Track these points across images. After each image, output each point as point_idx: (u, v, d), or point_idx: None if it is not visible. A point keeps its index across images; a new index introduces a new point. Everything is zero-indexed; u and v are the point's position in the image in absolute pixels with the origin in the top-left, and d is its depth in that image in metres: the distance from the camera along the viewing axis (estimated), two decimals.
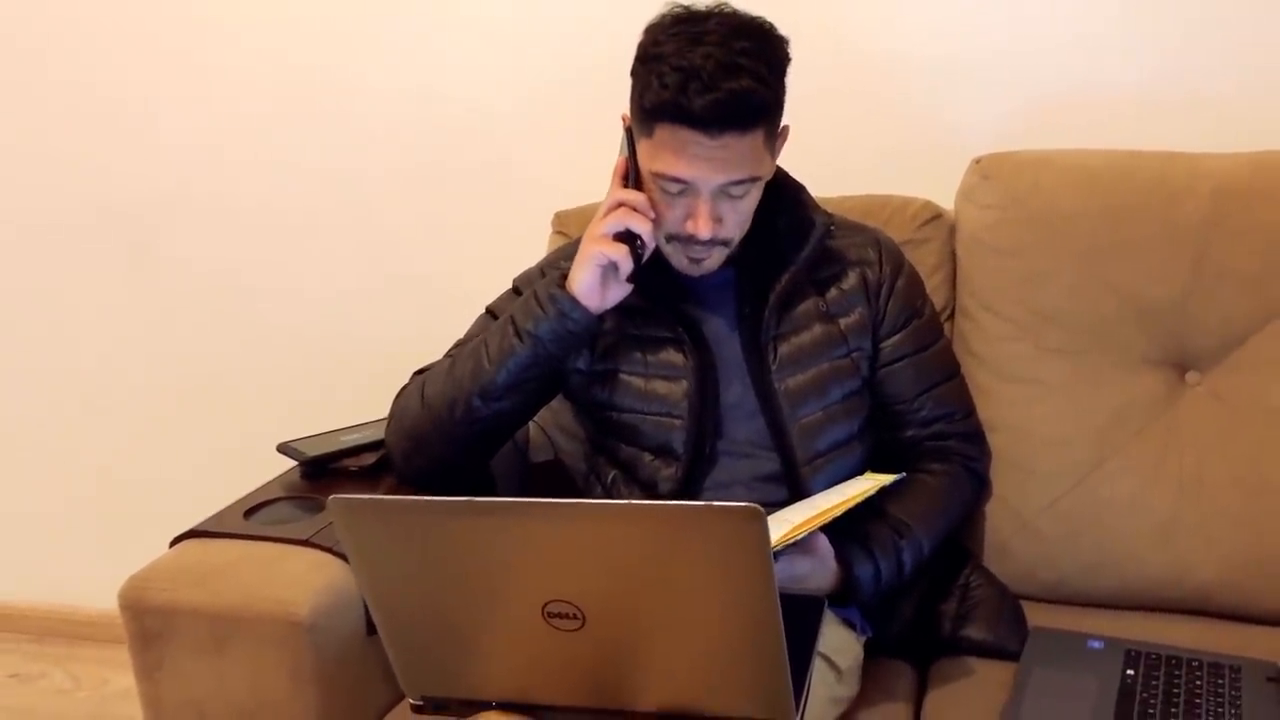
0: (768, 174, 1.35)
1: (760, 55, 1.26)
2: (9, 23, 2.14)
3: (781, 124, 1.35)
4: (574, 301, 1.35)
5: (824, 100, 1.78)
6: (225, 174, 2.13)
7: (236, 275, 2.18)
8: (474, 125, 2.00)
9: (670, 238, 1.35)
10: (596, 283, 1.35)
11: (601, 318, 1.38)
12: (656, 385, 1.42)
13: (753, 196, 1.33)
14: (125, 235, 2.21)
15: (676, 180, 1.29)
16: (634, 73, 1.31)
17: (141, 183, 2.17)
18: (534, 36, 1.93)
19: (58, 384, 2.34)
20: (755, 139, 1.28)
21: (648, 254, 1.35)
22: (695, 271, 1.38)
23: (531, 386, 1.40)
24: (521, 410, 1.44)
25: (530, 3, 1.92)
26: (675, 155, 1.27)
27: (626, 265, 1.33)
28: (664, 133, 1.27)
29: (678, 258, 1.37)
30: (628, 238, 1.33)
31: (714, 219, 1.31)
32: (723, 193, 1.30)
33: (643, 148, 1.31)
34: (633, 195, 1.33)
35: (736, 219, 1.34)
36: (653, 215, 1.33)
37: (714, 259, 1.37)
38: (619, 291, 1.36)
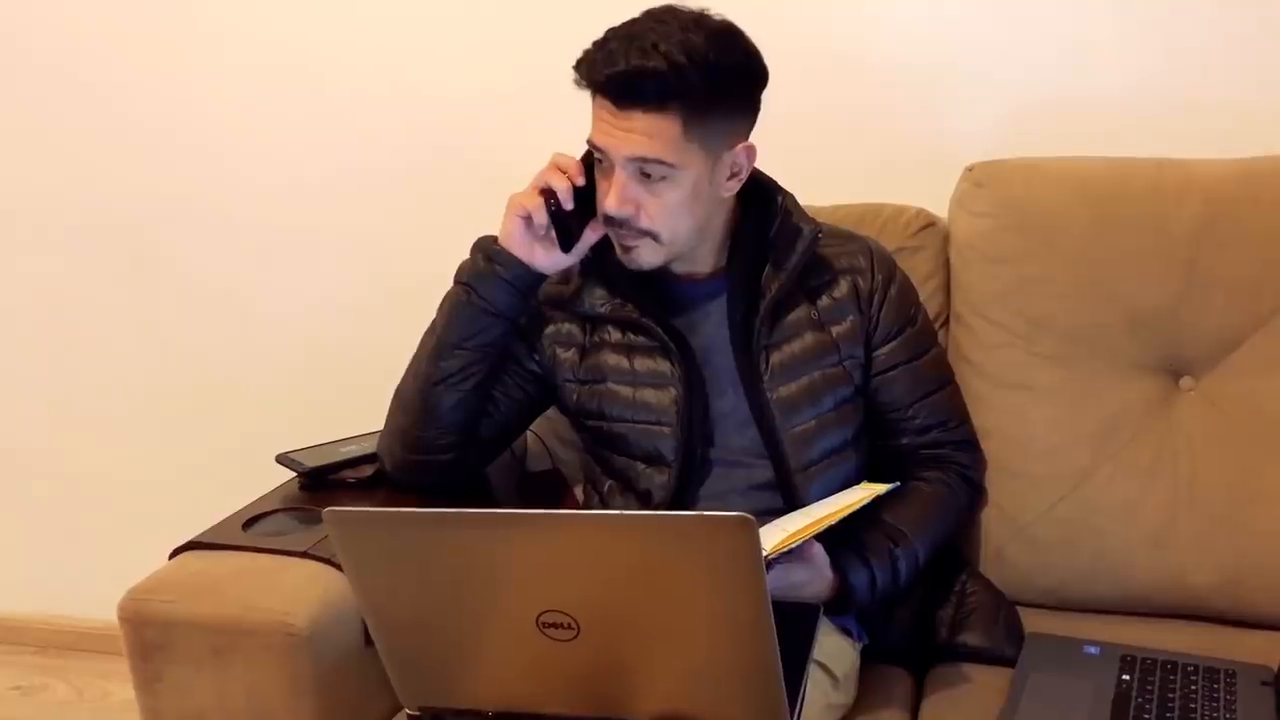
0: (696, 172, 1.32)
1: (694, 48, 1.26)
2: (9, 29, 2.15)
3: (735, 136, 1.34)
4: (501, 249, 1.40)
5: (817, 109, 1.79)
6: (223, 183, 2.13)
7: (234, 285, 2.19)
8: (474, 131, 2.00)
9: (606, 220, 1.37)
10: (520, 233, 1.39)
11: (541, 277, 1.42)
12: (645, 394, 1.43)
13: (674, 190, 1.32)
14: (124, 245, 2.21)
15: (594, 146, 1.33)
16: None
17: (141, 191, 2.17)
18: (535, 37, 1.93)
19: (57, 395, 2.34)
20: (667, 123, 1.28)
21: (590, 235, 1.40)
22: (628, 263, 1.39)
23: (478, 343, 1.42)
24: (481, 380, 1.44)
25: (525, 4, 1.93)
26: (595, 123, 1.32)
27: (539, 218, 1.38)
28: (594, 101, 1.33)
29: (616, 245, 1.40)
30: (549, 195, 1.37)
31: (627, 198, 1.32)
32: (639, 172, 1.31)
33: None
34: (565, 158, 1.38)
35: (657, 209, 1.33)
36: (580, 181, 1.37)
37: (644, 253, 1.37)
38: (553, 256, 1.41)
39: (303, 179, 2.10)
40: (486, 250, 1.41)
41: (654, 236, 1.35)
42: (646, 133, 1.28)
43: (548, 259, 1.41)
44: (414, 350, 1.49)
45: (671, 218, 1.34)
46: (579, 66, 1.32)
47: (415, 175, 2.05)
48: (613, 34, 1.30)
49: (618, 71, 1.26)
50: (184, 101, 2.11)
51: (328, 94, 2.04)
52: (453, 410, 1.44)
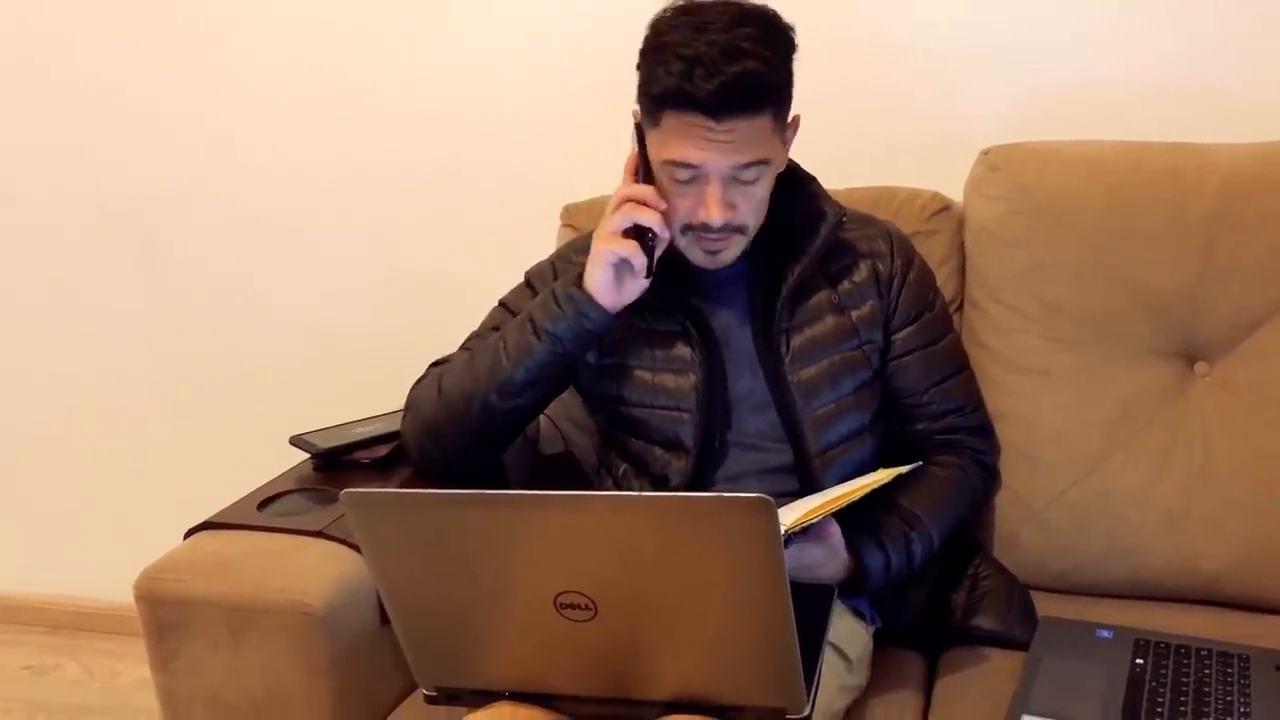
0: (779, 160, 1.35)
1: (764, 40, 1.26)
2: (18, 22, 2.15)
3: (791, 114, 1.35)
4: (591, 301, 1.35)
5: (833, 92, 1.78)
6: (234, 171, 2.14)
7: (247, 269, 2.19)
8: (481, 120, 2.00)
9: (685, 229, 1.35)
10: (611, 280, 1.35)
11: (619, 315, 1.38)
12: (664, 379, 1.42)
13: (765, 183, 1.33)
14: (137, 230, 2.22)
15: (686, 166, 1.29)
16: (639, 65, 1.31)
17: (153, 179, 2.17)
18: (541, 30, 1.93)
19: (71, 379, 2.35)
20: (762, 123, 1.28)
21: (660, 247, 1.35)
22: (713, 264, 1.38)
23: (547, 383, 1.41)
24: (537, 406, 1.45)
25: (539, 3, 1.92)
26: (684, 141, 1.28)
27: (639, 260, 1.33)
28: (672, 120, 1.28)
29: (694, 251, 1.37)
30: (637, 233, 1.33)
31: (726, 205, 1.31)
32: (733, 178, 1.30)
33: (652, 138, 1.32)
34: (639, 189, 1.33)
35: (750, 206, 1.34)
36: (663, 207, 1.33)
37: (731, 250, 1.37)
38: (636, 287, 1.36)
39: (315, 167, 2.10)
40: (577, 303, 1.35)
41: (742, 231, 1.35)
42: (748, 138, 1.27)
43: (633, 290, 1.37)
44: (434, 334, 1.48)
45: (759, 209, 1.35)
46: (658, 89, 1.26)
47: (426, 165, 2.05)
48: (680, 47, 1.24)
49: (720, 83, 1.23)
50: (196, 92, 2.11)
51: (340, 86, 2.04)
52: (504, 431, 1.46)
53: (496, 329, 1.47)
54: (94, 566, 2.39)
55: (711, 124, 1.26)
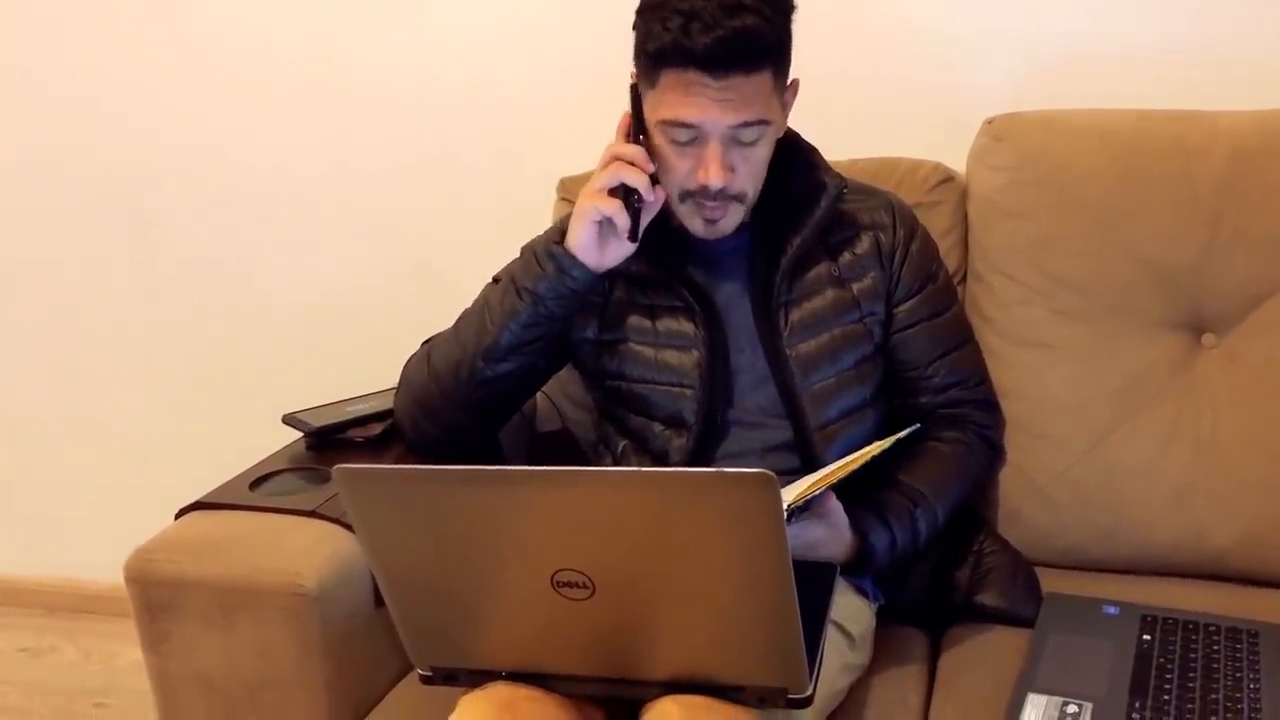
0: (778, 123, 1.32)
1: None
2: (12, 13, 2.13)
3: (791, 77, 1.33)
4: (573, 259, 1.33)
5: (835, 61, 1.76)
6: (226, 152, 2.12)
7: (240, 249, 2.17)
8: (475, 95, 1.98)
9: (684, 196, 1.32)
10: (593, 239, 1.32)
11: (604, 276, 1.36)
12: (667, 355, 1.40)
13: (765, 146, 1.31)
14: (129, 209, 2.20)
15: (684, 125, 1.26)
16: (635, 25, 1.29)
17: (144, 160, 2.15)
18: (530, 3, 1.91)
19: (62, 359, 2.34)
20: (762, 80, 1.25)
21: (649, 211, 1.33)
22: (712, 234, 1.35)
23: (534, 348, 1.38)
24: (526, 374, 1.42)
25: None
26: (682, 99, 1.25)
27: (623, 221, 1.30)
28: (669, 78, 1.25)
29: (693, 220, 1.34)
30: (624, 193, 1.30)
31: (725, 167, 1.28)
32: (733, 138, 1.27)
33: (648, 100, 1.29)
34: (628, 149, 1.30)
35: (749, 170, 1.31)
36: (651, 169, 1.30)
37: (730, 218, 1.34)
38: (620, 250, 1.34)
39: (306, 147, 2.08)
40: (558, 261, 1.32)
41: (740, 199, 1.32)
42: (749, 96, 1.24)
43: (617, 253, 1.34)
44: (427, 311, 1.46)
45: (758, 175, 1.32)
46: (655, 46, 1.24)
47: (419, 141, 2.03)
48: (678, 2, 1.22)
49: (719, 37, 1.20)
50: (187, 74, 2.09)
51: (331, 67, 2.02)
52: (495, 402, 1.43)
53: None
54: (90, 548, 2.38)
55: (710, 80, 1.23)
